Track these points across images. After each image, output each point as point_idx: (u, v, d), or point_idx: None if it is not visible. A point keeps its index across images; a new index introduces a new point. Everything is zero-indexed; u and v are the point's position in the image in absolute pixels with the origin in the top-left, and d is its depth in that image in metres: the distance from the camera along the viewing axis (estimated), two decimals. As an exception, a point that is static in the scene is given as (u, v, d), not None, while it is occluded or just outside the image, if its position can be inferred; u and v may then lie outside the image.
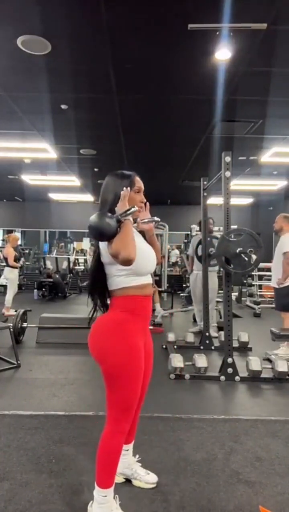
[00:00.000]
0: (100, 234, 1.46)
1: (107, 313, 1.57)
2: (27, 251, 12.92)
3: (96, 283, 1.59)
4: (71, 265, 10.77)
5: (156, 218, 1.71)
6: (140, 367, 1.51)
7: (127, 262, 1.40)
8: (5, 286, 9.34)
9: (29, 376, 3.39)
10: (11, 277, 6.61)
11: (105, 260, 1.53)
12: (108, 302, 1.61)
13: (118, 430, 1.51)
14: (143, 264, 1.54)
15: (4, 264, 6.86)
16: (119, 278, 1.52)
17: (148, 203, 1.71)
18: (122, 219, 1.46)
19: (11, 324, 4.06)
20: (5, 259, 6.59)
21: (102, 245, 1.52)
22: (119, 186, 1.54)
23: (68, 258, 10.97)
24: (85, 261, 13.55)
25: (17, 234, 7.59)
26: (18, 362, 3.63)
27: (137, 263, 1.47)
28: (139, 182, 1.64)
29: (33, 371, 3.54)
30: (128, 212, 1.47)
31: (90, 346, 1.54)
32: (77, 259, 12.64)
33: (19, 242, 14.15)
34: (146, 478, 1.82)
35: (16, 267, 6.67)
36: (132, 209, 1.47)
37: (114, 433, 1.51)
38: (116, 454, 1.53)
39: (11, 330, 3.88)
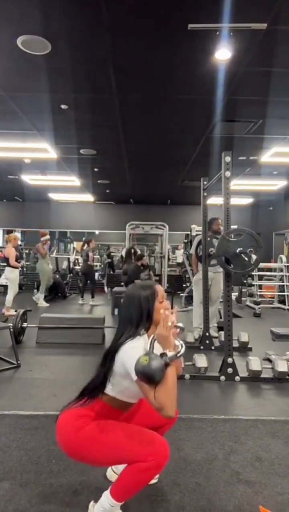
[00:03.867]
0: (150, 380, 1.34)
1: (76, 409, 1.54)
2: (27, 251, 12.91)
3: (94, 388, 1.55)
4: (71, 265, 10.77)
5: (181, 325, 1.54)
6: (111, 427, 1.48)
7: (164, 416, 1.32)
8: (5, 286, 9.42)
9: (29, 376, 3.39)
10: (12, 277, 6.61)
11: (120, 372, 1.48)
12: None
13: (154, 466, 1.43)
14: (138, 395, 1.55)
15: (5, 264, 6.87)
16: (114, 388, 1.52)
17: (174, 308, 1.68)
18: (170, 361, 1.36)
19: (11, 324, 4.06)
20: (6, 259, 6.60)
21: (121, 362, 1.46)
22: (144, 301, 1.54)
23: (68, 258, 10.97)
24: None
25: (17, 234, 7.67)
26: (18, 362, 3.63)
27: (134, 391, 1.48)
28: (161, 291, 1.61)
29: (33, 371, 3.54)
30: (179, 355, 1.39)
31: (61, 445, 1.52)
32: (77, 259, 12.65)
33: (19, 242, 14.12)
34: None
35: (17, 267, 6.67)
36: (182, 351, 1.41)
37: (151, 468, 1.44)
38: (145, 483, 1.49)
39: (11, 330, 3.88)
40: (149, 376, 1.32)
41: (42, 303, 7.63)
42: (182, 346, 1.43)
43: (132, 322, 1.52)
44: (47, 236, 8.03)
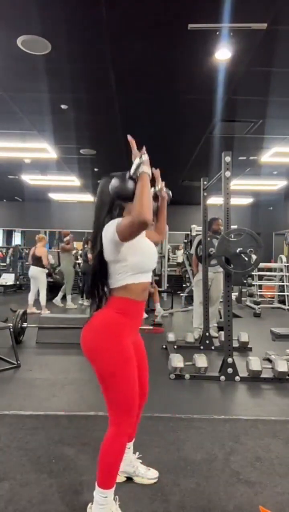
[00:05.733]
0: (119, 197, 1.51)
1: (101, 311, 1.56)
2: (27, 251, 12.91)
3: (98, 281, 1.56)
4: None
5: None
6: (133, 368, 1.51)
7: (142, 224, 1.35)
8: (5, 286, 9.43)
9: (29, 376, 3.39)
10: (41, 277, 6.59)
11: (109, 258, 1.51)
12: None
13: (120, 433, 1.51)
14: (145, 260, 1.56)
15: (30, 263, 6.81)
16: (122, 276, 1.52)
17: (157, 170, 1.80)
18: (135, 176, 1.44)
19: (11, 324, 4.06)
20: (38, 258, 6.54)
21: (106, 243, 1.50)
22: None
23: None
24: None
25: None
26: (18, 362, 3.63)
27: (139, 260, 1.51)
28: None
29: (33, 371, 3.54)
30: (137, 167, 1.44)
31: (82, 344, 1.55)
32: (77, 258, 12.64)
33: (18, 242, 14.07)
34: (147, 474, 1.84)
35: (46, 267, 6.70)
36: (138, 160, 1.43)
37: (116, 436, 1.51)
38: (118, 456, 1.53)
39: (11, 330, 3.88)
40: (120, 192, 1.48)
41: (70, 305, 7.45)
42: (140, 158, 1.46)
43: (104, 208, 1.57)
44: (69, 236, 7.93)
